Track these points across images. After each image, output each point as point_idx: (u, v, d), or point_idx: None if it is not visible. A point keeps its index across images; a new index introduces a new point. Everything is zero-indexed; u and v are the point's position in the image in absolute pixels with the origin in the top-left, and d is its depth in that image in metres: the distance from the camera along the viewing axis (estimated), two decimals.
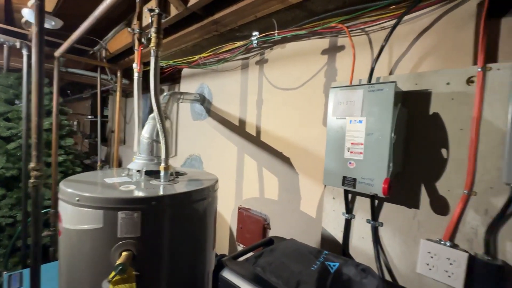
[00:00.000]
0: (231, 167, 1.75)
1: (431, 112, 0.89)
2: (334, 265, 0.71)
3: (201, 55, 1.74)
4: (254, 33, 1.41)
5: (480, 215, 0.80)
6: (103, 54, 2.31)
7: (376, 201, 1.02)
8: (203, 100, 1.97)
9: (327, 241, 1.17)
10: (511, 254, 0.75)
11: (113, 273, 0.62)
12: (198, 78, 2.05)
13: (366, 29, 1.12)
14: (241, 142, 1.68)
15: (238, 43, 1.49)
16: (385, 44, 0.96)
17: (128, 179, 0.99)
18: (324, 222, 1.18)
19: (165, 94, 1.56)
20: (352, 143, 0.94)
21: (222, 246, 1.85)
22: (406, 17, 1.00)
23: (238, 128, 1.70)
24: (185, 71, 2.19)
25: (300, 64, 1.36)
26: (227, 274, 0.74)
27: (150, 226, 0.75)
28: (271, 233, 1.50)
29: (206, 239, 0.95)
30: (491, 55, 0.88)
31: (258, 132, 1.58)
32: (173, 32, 1.60)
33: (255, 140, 1.59)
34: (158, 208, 0.76)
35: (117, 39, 2.06)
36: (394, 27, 0.94)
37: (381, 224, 1.01)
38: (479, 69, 0.80)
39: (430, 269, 0.84)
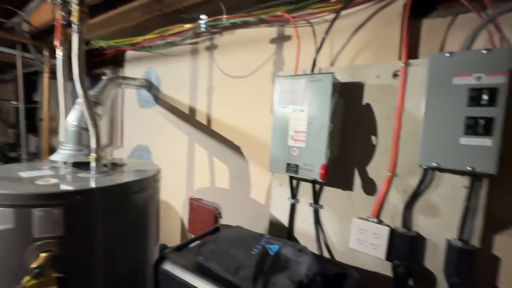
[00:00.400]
0: (182, 157, 1.69)
1: (364, 103, 0.98)
2: (274, 248, 0.74)
3: (146, 37, 1.61)
4: (202, 17, 1.34)
5: (400, 194, 0.91)
6: (25, 28, 1.96)
7: (318, 186, 1.09)
8: (150, 86, 1.84)
9: (274, 225, 1.21)
10: (422, 226, 0.88)
11: (27, 278, 0.55)
12: (145, 62, 1.90)
13: (311, 21, 1.15)
14: (191, 131, 1.63)
15: (186, 26, 1.41)
16: (325, 36, 1.00)
17: (51, 172, 0.88)
18: (272, 208, 1.22)
19: (103, 77, 1.41)
20: (295, 131, 0.98)
21: (174, 238, 1.80)
22: (344, 12, 1.05)
23: (189, 117, 1.64)
24: (130, 54, 2.01)
25: (250, 52, 1.35)
26: (167, 266, 0.72)
27: (77, 222, 0.68)
28: (223, 222, 1.51)
29: (147, 232, 0.91)
30: (414, 52, 0.99)
31: (209, 120, 1.54)
32: (110, 9, 1.43)
33: (206, 129, 1.55)
34: (86, 203, 0.69)
35: (42, 11, 1.77)
36: (333, 21, 0.99)
37: (322, 207, 1.08)
38: (402, 65, 0.89)
39: (360, 243, 0.94)
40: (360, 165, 0.99)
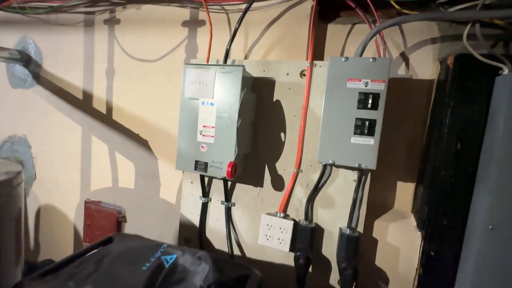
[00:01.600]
0: (75, 152, 1.38)
1: (274, 99, 0.98)
2: (171, 258, 0.66)
3: None
4: None
5: (304, 188, 0.96)
6: None
7: (229, 183, 1.05)
8: (27, 60, 1.43)
9: (185, 227, 1.12)
10: (321, 217, 0.95)
11: None
12: (18, 29, 1.45)
13: (226, 7, 1.08)
14: (87, 120, 1.34)
15: None
16: (238, 26, 0.95)
17: None
18: (183, 207, 1.12)
19: None
20: (204, 126, 0.90)
21: (65, 250, 1.48)
22: (259, 4, 1.02)
23: (83, 103, 1.35)
24: None
25: (160, 33, 1.18)
26: None
27: None
28: (128, 226, 1.32)
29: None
30: (320, 53, 1.05)
31: (110, 109, 1.30)
32: None
33: (106, 119, 1.31)
34: None
35: None
36: (245, 11, 0.94)
37: (233, 204, 1.05)
38: (308, 64, 0.92)
39: (267, 239, 0.95)
40: (270, 161, 1.00)
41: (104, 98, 1.30)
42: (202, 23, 1.12)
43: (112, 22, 1.25)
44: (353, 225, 0.91)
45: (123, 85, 1.26)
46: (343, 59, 0.80)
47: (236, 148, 0.85)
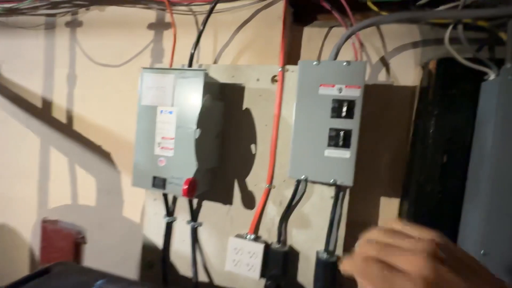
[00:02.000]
0: (31, 165, 1.25)
1: (244, 107, 0.88)
2: None
3: None
4: None
5: (276, 206, 0.86)
6: None
7: (196, 200, 0.94)
8: None
9: (148, 249, 1.00)
10: (296, 239, 0.85)
11: None
12: None
13: (194, 9, 1.00)
14: (46, 131, 1.23)
15: None
16: (203, 29, 0.86)
17: None
18: (146, 228, 1.00)
19: None
20: (162, 137, 0.80)
21: (20, 273, 1.32)
22: (228, 5, 0.95)
23: (42, 112, 1.23)
24: None
25: (124, 37, 1.09)
26: None
27: None
28: (88, 248, 1.18)
29: None
30: (296, 58, 0.96)
31: (70, 118, 1.19)
32: None
33: (66, 129, 1.19)
34: None
35: None
36: (209, 12, 0.86)
37: (200, 224, 0.94)
38: (280, 69, 0.83)
39: (235, 265, 0.84)
40: (240, 176, 0.90)
41: (65, 107, 1.19)
42: (168, 25, 1.04)
43: (74, 24, 1.16)
44: (331, 248, 0.81)
45: (85, 92, 1.16)
46: (315, 63, 0.72)
47: (197, 163, 0.75)
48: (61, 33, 1.18)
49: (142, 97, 0.82)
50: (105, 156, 1.13)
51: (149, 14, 1.06)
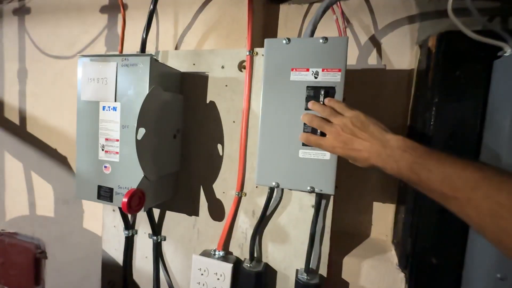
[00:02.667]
0: None
1: (208, 101, 0.74)
2: None
3: None
4: None
5: (249, 217, 0.73)
6: None
7: (159, 211, 0.81)
8: None
9: (108, 267, 0.88)
10: (273, 256, 0.71)
11: None
12: None
13: None
14: None
15: None
16: (153, 8, 0.71)
17: None
18: (105, 242, 0.88)
19: None
20: (106, 139, 0.67)
21: None
22: None
23: None
24: None
25: (76, 23, 0.95)
26: None
27: None
28: (48, 264, 1.06)
29: None
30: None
31: (23, 119, 1.05)
32: None
33: (20, 131, 1.06)
34: None
35: None
36: None
37: (164, 238, 0.81)
38: (247, 53, 0.69)
39: None
40: (205, 182, 0.76)
41: (17, 106, 1.06)
42: (125, 7, 0.89)
43: (21, 12, 1.02)
44: (313, 266, 0.68)
45: (37, 88, 1.03)
46: (284, 41, 0.58)
47: (142, 169, 0.61)
48: (8, 23, 1.04)
49: (81, 91, 0.68)
50: (62, 160, 1.00)
51: None
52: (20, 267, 1.06)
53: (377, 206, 0.78)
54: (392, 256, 0.73)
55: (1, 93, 1.08)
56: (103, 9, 0.91)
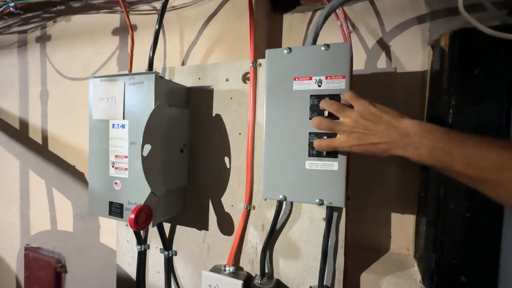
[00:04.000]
0: (13, 189, 1.20)
1: (214, 114, 0.75)
2: None
3: None
4: None
5: (258, 231, 0.70)
6: None
7: (169, 225, 0.81)
8: None
9: (123, 282, 0.88)
10: (284, 272, 0.68)
11: None
12: None
13: (157, 7, 0.89)
14: (24, 153, 1.17)
15: None
16: (158, 27, 0.73)
17: None
18: (119, 257, 0.89)
19: None
20: (116, 156, 0.68)
21: None
22: None
23: (20, 133, 1.18)
24: None
25: (90, 46, 1.01)
26: None
27: None
28: (68, 278, 1.09)
29: None
30: None
31: (45, 138, 1.12)
32: None
33: (42, 150, 1.12)
34: None
35: None
36: (163, 6, 0.73)
37: (175, 253, 0.81)
38: (251, 65, 0.69)
39: None
40: (214, 195, 0.75)
41: (40, 126, 1.12)
42: (133, 28, 0.93)
43: (43, 39, 1.10)
44: (328, 283, 0.64)
45: (57, 109, 1.09)
46: (285, 51, 0.57)
47: (148, 186, 0.61)
48: (32, 49, 1.12)
49: (92, 110, 0.71)
50: (79, 177, 1.04)
51: (113, 19, 0.96)
52: (43, 281, 1.10)
53: (396, 217, 0.73)
54: (415, 272, 0.67)
55: (26, 115, 1.15)
56: (115, 31, 0.96)
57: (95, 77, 0.70)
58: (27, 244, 1.16)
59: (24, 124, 1.16)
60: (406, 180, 0.71)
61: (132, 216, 0.57)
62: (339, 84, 0.53)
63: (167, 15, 0.86)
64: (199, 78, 0.76)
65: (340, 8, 0.69)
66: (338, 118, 0.49)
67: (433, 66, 0.66)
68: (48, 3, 0.99)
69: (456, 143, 0.37)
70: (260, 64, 0.69)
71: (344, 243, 0.63)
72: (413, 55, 0.70)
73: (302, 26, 0.82)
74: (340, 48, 0.53)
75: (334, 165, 0.54)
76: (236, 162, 0.72)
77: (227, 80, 0.73)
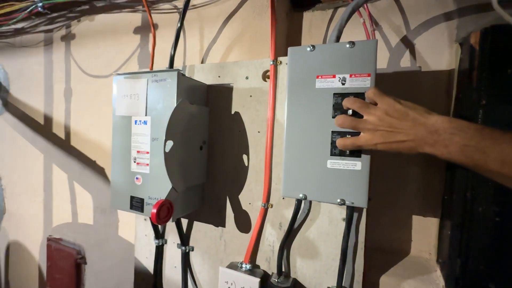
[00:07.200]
0: (37, 182, 1.25)
1: (233, 111, 0.75)
2: None
3: None
4: None
5: (276, 230, 0.70)
6: None
7: (187, 221, 0.82)
8: None
9: (140, 275, 0.90)
10: (301, 271, 0.68)
11: None
12: None
13: (179, 6, 0.90)
14: (48, 147, 1.21)
15: (18, 5, 1.02)
16: (180, 26, 0.74)
17: None
18: (137, 250, 0.91)
19: None
20: (138, 151, 0.70)
21: None
22: None
23: (44, 129, 1.22)
24: None
25: (112, 45, 1.04)
26: None
27: None
28: (88, 269, 1.13)
29: None
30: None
31: (68, 133, 1.16)
32: None
33: (65, 144, 1.16)
34: None
35: None
36: (185, 6, 0.74)
37: (192, 249, 0.82)
38: (271, 63, 0.69)
39: None
40: (231, 193, 0.76)
41: (63, 122, 1.17)
42: (155, 27, 0.95)
43: (68, 38, 1.13)
44: (346, 285, 0.63)
45: (80, 106, 1.12)
46: (309, 48, 0.56)
47: (170, 181, 0.62)
48: (57, 48, 1.16)
49: (116, 106, 0.73)
50: (100, 172, 1.07)
51: (135, 17, 0.98)
52: (64, 270, 1.14)
53: (417, 220, 0.71)
54: (438, 277, 0.65)
55: (50, 111, 1.20)
56: (136, 30, 0.98)
57: (118, 74, 0.72)
58: (49, 235, 1.21)
59: (48, 120, 1.20)
60: (429, 182, 0.69)
61: (154, 210, 0.58)
62: (364, 82, 0.52)
63: (187, 14, 0.87)
64: (219, 76, 0.76)
65: (365, 5, 0.68)
66: (362, 117, 0.48)
67: (462, 64, 0.63)
68: (74, 3, 1.03)
69: (490, 140, 0.36)
70: (280, 62, 0.69)
71: (363, 244, 0.62)
72: (439, 53, 0.68)
73: (323, 24, 0.81)
74: (366, 45, 0.52)
75: (357, 165, 0.53)
76: (254, 160, 0.73)
77: (246, 78, 0.73)
